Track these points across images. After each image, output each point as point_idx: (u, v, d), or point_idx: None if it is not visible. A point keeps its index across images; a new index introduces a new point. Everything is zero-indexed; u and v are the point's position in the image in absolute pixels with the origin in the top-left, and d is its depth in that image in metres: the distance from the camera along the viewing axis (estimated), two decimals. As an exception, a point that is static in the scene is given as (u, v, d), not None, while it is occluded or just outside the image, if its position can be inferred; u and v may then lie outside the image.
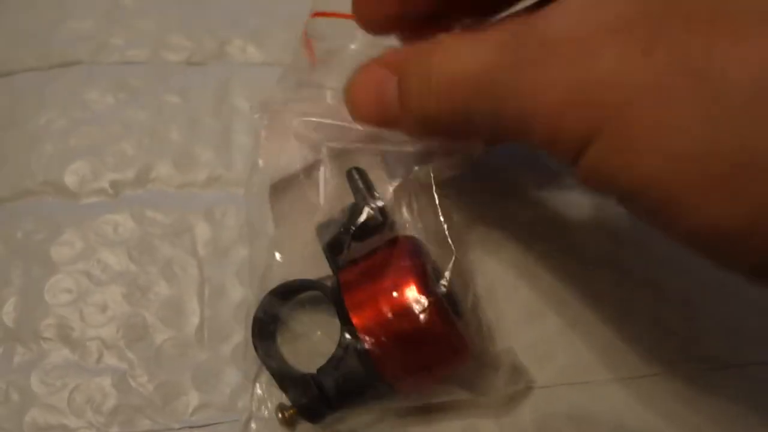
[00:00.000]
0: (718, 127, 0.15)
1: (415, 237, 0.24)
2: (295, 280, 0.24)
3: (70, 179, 0.28)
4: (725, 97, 0.15)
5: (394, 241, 0.23)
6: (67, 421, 0.24)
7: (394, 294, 0.21)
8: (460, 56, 0.19)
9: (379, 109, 0.22)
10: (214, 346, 0.25)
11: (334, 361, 0.22)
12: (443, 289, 0.22)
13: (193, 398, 0.25)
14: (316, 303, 0.25)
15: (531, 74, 0.17)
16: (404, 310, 0.21)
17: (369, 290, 0.22)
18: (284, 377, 0.23)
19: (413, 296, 0.21)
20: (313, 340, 0.24)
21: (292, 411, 0.23)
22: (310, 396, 0.22)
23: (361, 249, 0.23)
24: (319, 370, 0.23)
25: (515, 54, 0.18)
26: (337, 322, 0.22)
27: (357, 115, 0.23)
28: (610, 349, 0.26)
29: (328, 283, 0.24)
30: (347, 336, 0.22)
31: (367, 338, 0.21)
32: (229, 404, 0.25)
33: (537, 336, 0.26)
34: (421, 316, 0.21)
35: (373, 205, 0.23)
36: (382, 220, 0.23)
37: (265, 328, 0.25)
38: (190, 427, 0.24)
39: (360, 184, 0.23)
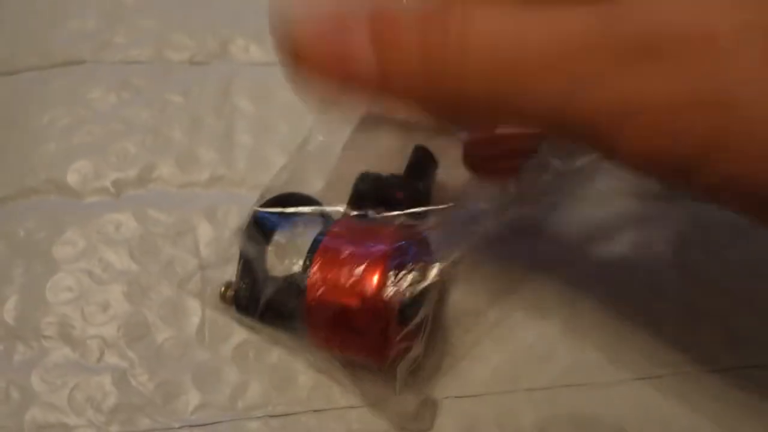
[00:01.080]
0: None
1: (424, 236, 0.24)
2: (299, 193, 0.26)
3: (72, 178, 0.28)
4: None
5: (401, 226, 0.24)
6: (68, 419, 0.24)
7: (360, 268, 0.22)
8: (522, 15, 0.15)
9: (335, 56, 0.16)
10: (214, 345, 0.25)
11: (282, 279, 0.24)
12: (405, 295, 0.22)
13: (194, 397, 0.25)
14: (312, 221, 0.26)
15: (639, 61, 0.14)
16: (357, 286, 0.22)
17: (344, 249, 0.23)
18: (246, 266, 0.25)
19: (374, 281, 0.22)
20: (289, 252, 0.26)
21: (231, 292, 0.25)
22: (248, 288, 0.25)
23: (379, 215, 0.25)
24: (270, 277, 0.25)
25: (614, 28, 0.14)
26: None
27: (300, 58, 0.16)
28: (612, 351, 0.26)
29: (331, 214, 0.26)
30: (301, 267, 0.23)
31: (313, 282, 0.22)
32: (229, 404, 0.25)
33: (537, 336, 0.26)
34: (367, 301, 0.22)
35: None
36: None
37: (260, 228, 0.26)
38: (190, 426, 0.24)
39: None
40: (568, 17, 0.14)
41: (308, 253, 0.23)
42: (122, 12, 0.32)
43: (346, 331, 0.22)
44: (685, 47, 0.14)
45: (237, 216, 0.27)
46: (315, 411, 0.25)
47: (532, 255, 0.27)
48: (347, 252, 0.22)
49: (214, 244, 0.27)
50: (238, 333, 0.26)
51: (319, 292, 0.22)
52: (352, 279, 0.22)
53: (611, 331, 0.26)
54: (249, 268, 0.25)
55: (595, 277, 0.27)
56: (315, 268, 0.22)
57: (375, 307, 0.22)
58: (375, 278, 0.22)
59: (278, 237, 0.27)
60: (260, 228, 0.26)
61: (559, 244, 0.27)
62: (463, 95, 0.16)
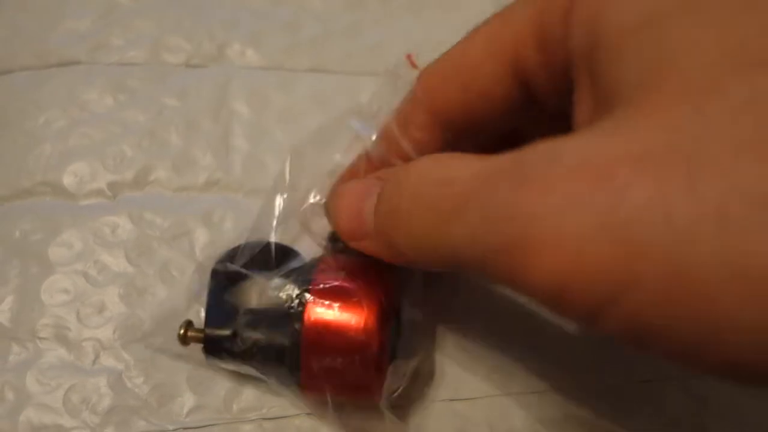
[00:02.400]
0: None
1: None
2: (272, 243, 0.25)
3: (68, 180, 0.28)
4: None
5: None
6: (63, 421, 0.24)
7: (357, 311, 0.21)
8: (447, 164, 0.16)
9: (353, 224, 0.20)
10: (209, 348, 0.26)
11: (271, 317, 0.23)
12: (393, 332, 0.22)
13: (188, 400, 0.25)
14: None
15: (539, 195, 0.13)
16: (357, 326, 0.21)
17: (337, 286, 0.22)
18: (216, 302, 0.24)
19: (369, 328, 0.21)
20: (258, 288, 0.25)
21: (196, 333, 0.23)
22: (221, 326, 0.23)
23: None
24: (253, 311, 0.23)
25: (518, 168, 0.14)
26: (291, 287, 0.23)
27: (336, 227, 0.21)
28: (600, 356, 0.26)
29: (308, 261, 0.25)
30: (288, 302, 0.22)
31: (311, 323, 0.21)
32: (223, 406, 0.25)
33: (529, 340, 0.26)
34: (362, 351, 0.21)
35: None
36: None
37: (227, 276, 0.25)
38: (185, 429, 0.25)
39: None
40: (496, 158, 0.15)
41: (298, 290, 0.22)
42: (118, 13, 0.32)
43: (343, 374, 0.22)
44: (585, 175, 0.13)
45: (233, 220, 0.28)
46: (308, 414, 0.25)
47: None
48: (341, 289, 0.22)
49: (210, 248, 0.27)
50: (233, 336, 0.26)
51: (317, 334, 0.21)
52: (352, 320, 0.21)
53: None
54: (217, 303, 0.24)
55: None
56: (311, 307, 0.22)
57: (371, 351, 0.21)
58: (373, 319, 0.21)
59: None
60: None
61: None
62: (412, 239, 0.17)
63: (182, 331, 0.23)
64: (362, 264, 0.22)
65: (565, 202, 0.13)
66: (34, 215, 0.27)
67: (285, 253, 0.25)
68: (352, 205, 0.20)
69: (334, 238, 0.24)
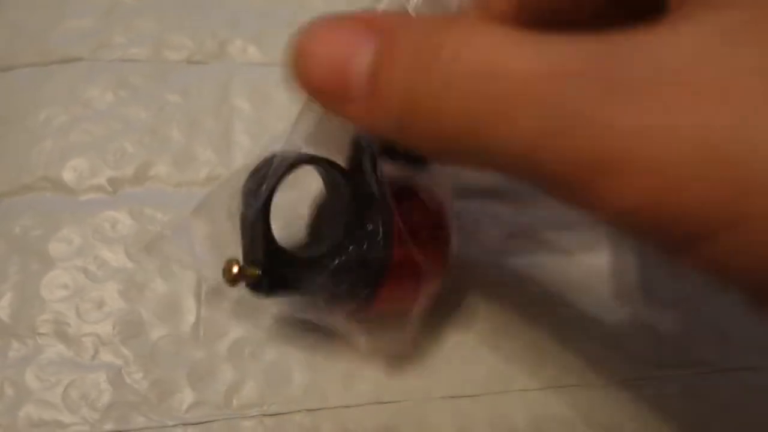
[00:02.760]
0: None
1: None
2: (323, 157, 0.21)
3: (68, 175, 0.28)
4: None
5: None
6: (62, 416, 0.24)
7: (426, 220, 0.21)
8: (505, 46, 0.13)
9: (334, 79, 0.15)
10: (209, 344, 0.26)
11: (351, 241, 0.20)
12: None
13: (188, 395, 0.25)
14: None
15: (638, 112, 0.12)
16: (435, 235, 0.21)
17: (413, 197, 0.22)
18: (257, 227, 0.20)
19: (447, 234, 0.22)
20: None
21: (252, 269, 0.20)
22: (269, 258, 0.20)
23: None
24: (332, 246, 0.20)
25: (605, 73, 0.12)
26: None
27: (305, 78, 0.16)
28: (602, 353, 0.26)
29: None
30: (379, 225, 0.20)
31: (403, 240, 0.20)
32: (223, 402, 0.25)
33: (531, 336, 0.26)
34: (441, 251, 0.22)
35: None
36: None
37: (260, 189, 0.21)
38: (185, 425, 0.24)
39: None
40: (563, 51, 0.13)
41: (378, 214, 0.20)
42: (121, 11, 0.32)
43: (418, 282, 0.21)
44: (696, 87, 0.12)
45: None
46: (309, 410, 0.25)
47: (526, 257, 0.27)
48: (416, 206, 0.22)
49: (210, 243, 0.27)
50: (233, 331, 0.26)
51: (405, 248, 0.20)
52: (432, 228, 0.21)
53: (606, 331, 0.26)
54: (262, 229, 0.20)
55: (588, 278, 0.27)
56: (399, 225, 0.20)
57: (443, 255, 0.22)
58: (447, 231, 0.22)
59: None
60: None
61: (554, 246, 0.28)
62: (439, 132, 0.14)
63: (234, 269, 0.20)
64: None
65: (673, 123, 0.11)
66: (34, 211, 0.27)
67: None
68: (335, 55, 0.15)
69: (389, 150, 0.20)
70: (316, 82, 0.16)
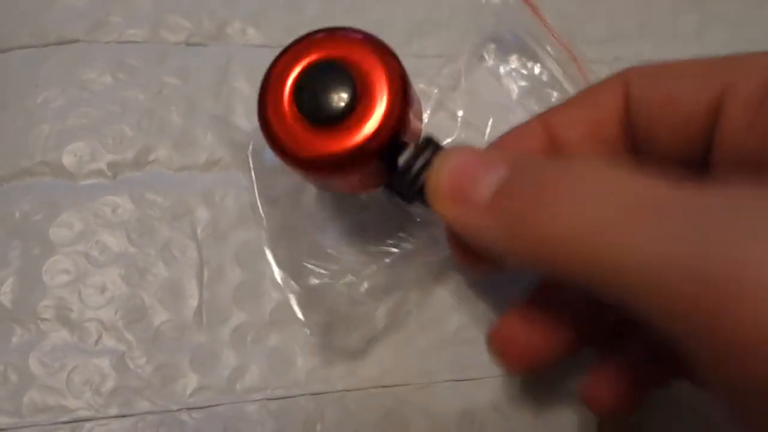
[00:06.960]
0: None
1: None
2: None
3: (68, 160, 0.27)
4: None
5: None
6: (66, 402, 0.24)
7: None
8: (612, 176, 0.15)
9: (459, 184, 0.18)
10: (212, 328, 0.26)
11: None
12: None
13: (192, 380, 0.25)
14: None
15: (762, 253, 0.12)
16: None
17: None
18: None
19: None
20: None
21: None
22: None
23: None
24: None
25: (734, 218, 0.13)
26: None
27: (436, 179, 0.19)
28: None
29: None
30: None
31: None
32: (227, 387, 0.25)
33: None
34: None
35: None
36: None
37: None
38: (188, 409, 0.24)
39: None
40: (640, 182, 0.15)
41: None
42: (117, -9, 0.32)
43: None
44: None
45: (234, 199, 0.27)
46: (313, 394, 0.25)
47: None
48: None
49: (212, 227, 0.27)
50: (235, 316, 0.26)
51: None
52: None
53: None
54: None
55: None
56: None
57: None
58: None
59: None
60: None
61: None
62: (525, 238, 0.16)
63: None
64: None
65: None
66: (34, 196, 0.27)
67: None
68: (467, 168, 0.18)
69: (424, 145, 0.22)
70: (445, 184, 0.18)
